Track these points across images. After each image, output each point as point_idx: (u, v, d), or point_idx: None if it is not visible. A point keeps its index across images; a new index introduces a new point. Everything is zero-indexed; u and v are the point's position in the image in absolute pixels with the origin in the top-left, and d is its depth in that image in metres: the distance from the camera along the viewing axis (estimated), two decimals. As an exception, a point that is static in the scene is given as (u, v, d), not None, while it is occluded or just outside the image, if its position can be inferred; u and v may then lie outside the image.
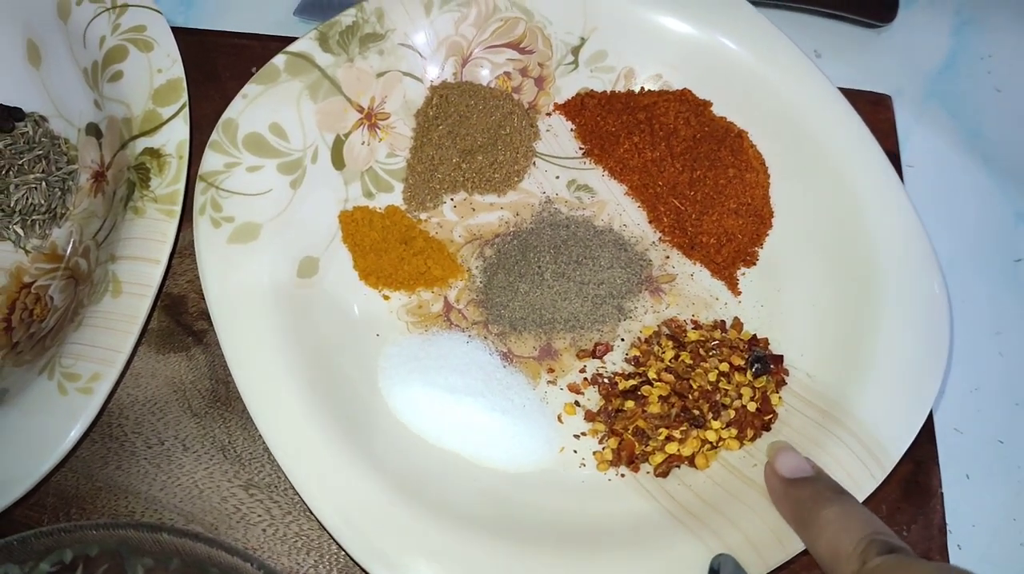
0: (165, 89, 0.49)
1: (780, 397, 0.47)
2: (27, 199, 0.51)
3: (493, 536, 0.42)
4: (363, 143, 0.53)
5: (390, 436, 0.46)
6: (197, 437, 0.48)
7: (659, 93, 0.55)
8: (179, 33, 0.50)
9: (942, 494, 0.49)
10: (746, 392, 0.46)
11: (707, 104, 0.55)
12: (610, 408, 0.47)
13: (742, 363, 0.47)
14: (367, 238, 0.51)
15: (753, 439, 0.46)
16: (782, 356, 0.48)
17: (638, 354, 0.49)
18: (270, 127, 0.50)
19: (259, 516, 0.46)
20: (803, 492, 0.41)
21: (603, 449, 0.47)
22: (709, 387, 0.46)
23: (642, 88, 0.55)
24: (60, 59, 0.52)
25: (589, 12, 0.55)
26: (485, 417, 0.46)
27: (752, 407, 0.46)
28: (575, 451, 0.47)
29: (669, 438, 0.45)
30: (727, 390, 0.46)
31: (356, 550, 0.41)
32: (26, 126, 0.52)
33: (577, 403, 0.48)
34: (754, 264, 0.52)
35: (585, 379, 0.49)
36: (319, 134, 0.51)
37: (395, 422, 0.46)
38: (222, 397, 0.48)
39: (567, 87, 0.56)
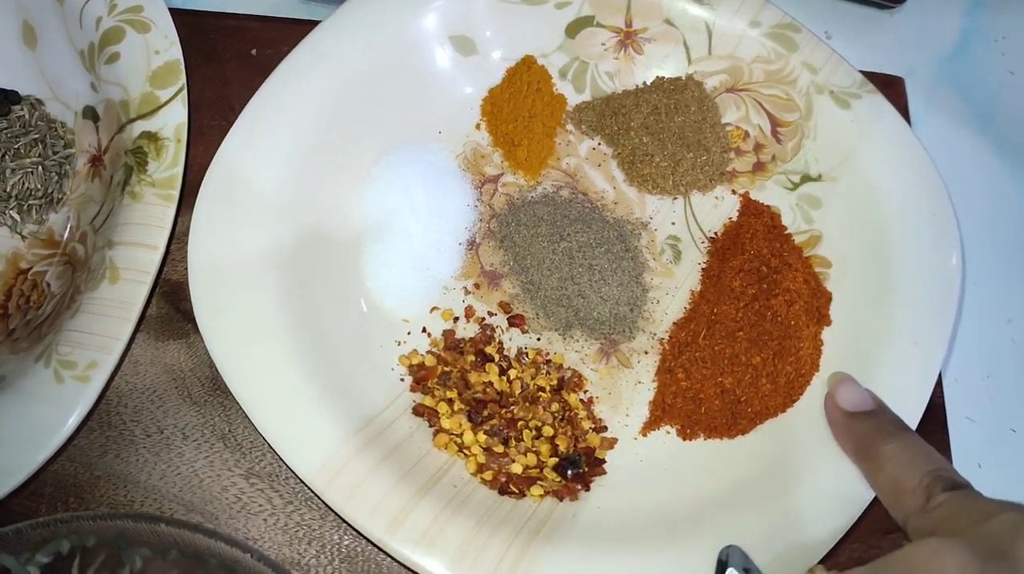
0: (163, 71, 0.48)
1: (541, 495, 0.44)
2: (23, 184, 0.50)
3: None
4: (602, 44, 0.54)
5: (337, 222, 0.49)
6: (197, 425, 0.47)
7: (810, 272, 0.49)
8: (177, 14, 0.49)
9: (954, 484, 0.48)
10: (529, 459, 0.44)
11: (826, 319, 0.48)
12: (452, 342, 0.48)
13: (563, 450, 0.45)
14: (524, 84, 0.53)
15: (480, 470, 0.44)
16: (589, 484, 0.45)
17: (529, 356, 0.48)
18: None
19: (260, 505, 0.46)
20: (865, 425, 0.41)
21: (424, 355, 0.48)
22: (519, 422, 0.46)
23: (810, 257, 0.50)
24: (56, 41, 0.51)
25: (846, 163, 0.51)
26: (404, 250, 0.49)
27: (517, 469, 0.44)
28: (408, 333, 0.49)
29: (449, 400, 0.46)
30: (520, 439, 0.45)
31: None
32: (22, 109, 0.51)
33: (456, 319, 0.49)
34: (687, 439, 0.47)
35: (481, 318, 0.49)
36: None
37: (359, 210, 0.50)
38: (222, 385, 0.47)
39: (768, 192, 0.53)
